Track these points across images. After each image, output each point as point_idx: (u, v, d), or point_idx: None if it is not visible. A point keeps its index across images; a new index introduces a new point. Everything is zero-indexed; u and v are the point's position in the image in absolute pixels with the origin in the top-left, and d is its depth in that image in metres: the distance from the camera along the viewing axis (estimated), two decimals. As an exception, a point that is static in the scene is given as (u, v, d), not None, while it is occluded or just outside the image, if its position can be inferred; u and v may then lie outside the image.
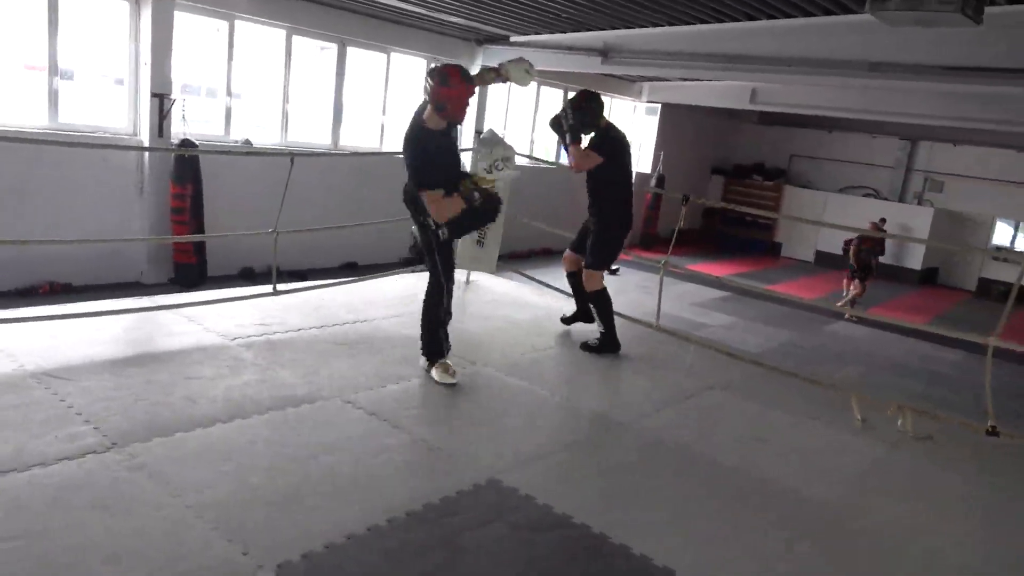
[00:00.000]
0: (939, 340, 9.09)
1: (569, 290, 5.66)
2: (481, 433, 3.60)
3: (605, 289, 5.06)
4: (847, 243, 14.28)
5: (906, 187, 16.67)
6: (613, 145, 4.93)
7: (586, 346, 5.11)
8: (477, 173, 3.79)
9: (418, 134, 3.84)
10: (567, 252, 5.38)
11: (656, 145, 15.96)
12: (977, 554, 3.12)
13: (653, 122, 15.93)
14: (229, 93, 9.62)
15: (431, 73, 3.77)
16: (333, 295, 5.65)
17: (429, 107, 3.78)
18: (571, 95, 13.24)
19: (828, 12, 7.57)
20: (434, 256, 4.03)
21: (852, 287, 12.59)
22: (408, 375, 4.25)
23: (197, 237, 8.27)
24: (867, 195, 16.85)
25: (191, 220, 8.48)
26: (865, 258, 12.13)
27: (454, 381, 4.08)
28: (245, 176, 9.03)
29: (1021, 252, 15.23)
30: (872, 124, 15.68)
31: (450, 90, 3.71)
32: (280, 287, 5.09)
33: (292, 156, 4.78)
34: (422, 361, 4.24)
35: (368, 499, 2.87)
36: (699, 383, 4.81)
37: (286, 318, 4.89)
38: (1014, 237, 16.03)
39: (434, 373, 4.14)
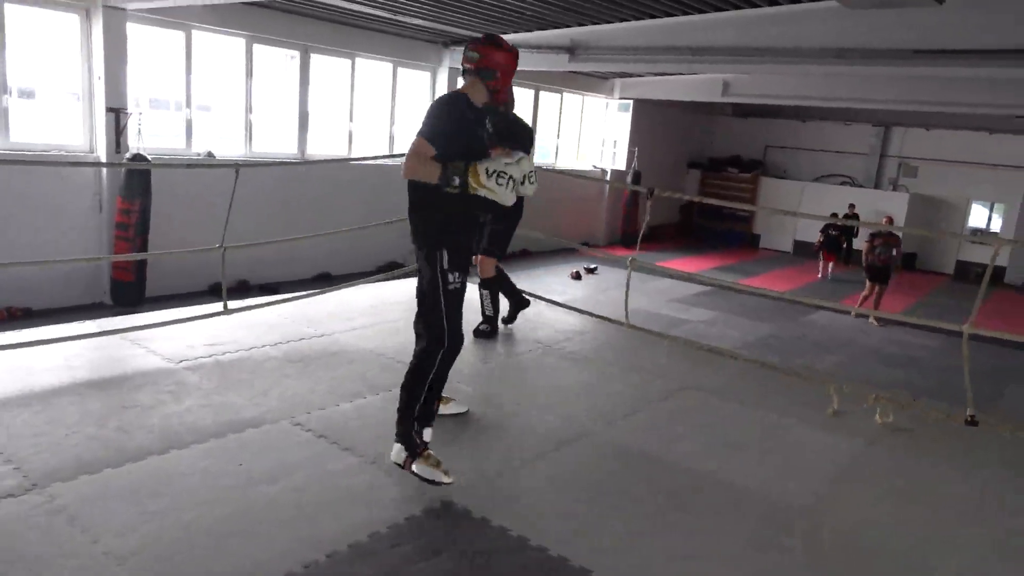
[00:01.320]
0: (919, 326, 9.00)
1: (541, 292, 5.54)
2: (437, 452, 3.41)
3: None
4: (822, 232, 14.27)
5: (881, 173, 16.68)
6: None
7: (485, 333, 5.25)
8: (478, 170, 2.94)
9: (453, 96, 3.14)
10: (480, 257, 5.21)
11: (630, 141, 15.83)
12: (958, 546, 2.97)
13: (626, 119, 15.81)
14: (189, 105, 9.41)
15: (477, 41, 3.15)
16: (293, 309, 5.45)
17: (472, 78, 3.12)
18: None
19: (794, 0, 7.46)
20: (439, 304, 3.04)
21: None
22: (363, 391, 4.06)
23: (138, 256, 8.07)
24: (843, 183, 16.84)
25: (135, 236, 8.24)
26: (884, 257, 10.69)
27: (449, 480, 2.99)
28: (205, 190, 8.80)
29: (995, 234, 15.24)
30: (845, 112, 15.65)
31: (505, 55, 3.10)
32: (232, 304, 4.88)
33: (237, 167, 4.57)
34: (395, 451, 3.08)
35: (309, 531, 2.68)
36: (672, 384, 4.65)
37: (239, 336, 4.68)
38: (989, 219, 16.07)
39: (416, 468, 3.02)
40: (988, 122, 14.37)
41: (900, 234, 11.11)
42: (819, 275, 14.53)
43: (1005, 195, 15.12)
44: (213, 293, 9.06)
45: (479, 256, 5.04)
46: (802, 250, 16.58)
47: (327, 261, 10.70)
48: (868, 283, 10.92)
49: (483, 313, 5.30)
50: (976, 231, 15.84)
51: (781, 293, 10.13)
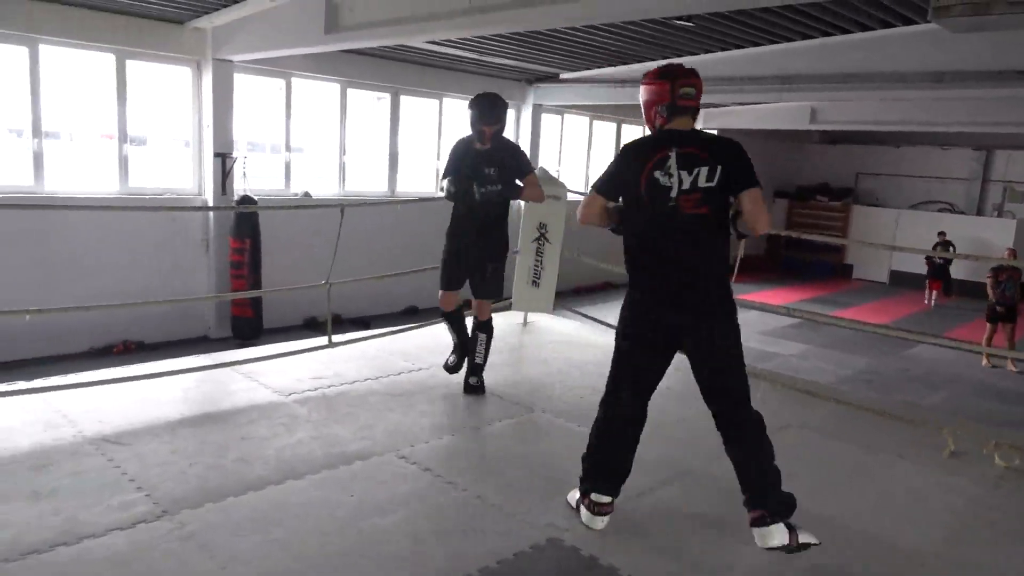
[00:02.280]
0: (1035, 361, 8.45)
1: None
2: (540, 486, 3.43)
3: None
4: (928, 259, 13.58)
5: (983, 199, 15.85)
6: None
7: (476, 387, 4.59)
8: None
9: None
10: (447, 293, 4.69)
11: (714, 172, 15.62)
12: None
13: (710, 149, 15.63)
14: (288, 148, 9.90)
15: (690, 73, 2.91)
16: (390, 343, 5.61)
17: (694, 114, 2.96)
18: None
19: (887, 24, 7.29)
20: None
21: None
22: (464, 425, 4.13)
23: (251, 293, 8.45)
24: (942, 210, 16.08)
25: (249, 274, 8.69)
26: (1010, 294, 9.45)
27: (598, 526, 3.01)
28: (303, 228, 9.21)
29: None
30: (942, 136, 15.01)
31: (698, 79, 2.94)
32: (336, 338, 5.07)
33: (343, 207, 4.79)
34: (572, 494, 3.17)
35: (420, 564, 2.73)
36: (773, 421, 4.51)
37: (342, 370, 4.85)
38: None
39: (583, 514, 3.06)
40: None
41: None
42: (925, 301, 14.04)
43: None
44: (308, 327, 9.42)
45: (477, 300, 4.60)
46: (899, 280, 15.87)
47: (414, 296, 10.94)
48: (989, 325, 9.60)
49: (474, 361, 4.62)
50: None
51: (876, 326, 9.72)
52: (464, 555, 2.80)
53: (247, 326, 8.82)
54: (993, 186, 15.49)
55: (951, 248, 13.62)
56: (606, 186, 2.96)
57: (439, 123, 11.51)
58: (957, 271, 14.63)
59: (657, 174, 2.80)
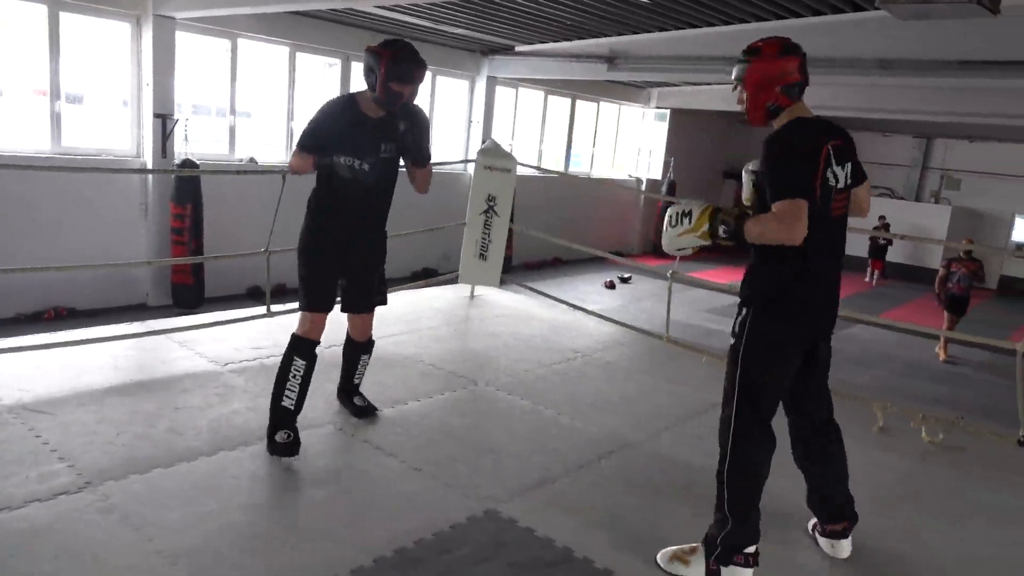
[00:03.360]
0: (971, 343, 8.79)
1: (574, 300, 5.46)
2: (480, 459, 3.42)
3: None
4: (871, 240, 13.92)
5: (922, 185, 16.35)
6: None
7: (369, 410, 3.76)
8: None
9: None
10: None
11: (666, 151, 15.75)
12: (1011, 569, 2.89)
13: (663, 128, 15.73)
14: (233, 112, 9.57)
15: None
16: (334, 312, 5.49)
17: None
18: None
19: (837, 10, 7.38)
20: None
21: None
22: (405, 397, 4.08)
23: (185, 260, 8.20)
24: (882, 194, 16.53)
25: (190, 241, 8.41)
26: (963, 285, 9.41)
27: None
28: (250, 195, 8.94)
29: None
30: (885, 123, 15.38)
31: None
32: (275, 308, 4.94)
33: (284, 174, 4.64)
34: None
35: (356, 536, 2.69)
36: (714, 396, 4.58)
37: (282, 340, 4.69)
38: (1035, 233, 15.67)
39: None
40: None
41: (980, 259, 9.64)
42: (867, 280, 14.57)
43: (1052, 209, 14.76)
44: (251, 297, 9.19)
45: (364, 315, 3.70)
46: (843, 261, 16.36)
47: (363, 267, 10.79)
48: (947, 314, 9.56)
49: (355, 382, 3.82)
50: (1020, 246, 15.45)
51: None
52: (399, 527, 2.77)
53: (188, 294, 8.57)
54: (931, 173, 15.98)
55: (887, 230, 14.07)
56: (803, 184, 2.40)
57: (391, 92, 11.28)
58: (895, 255, 15.10)
59: (828, 172, 2.46)
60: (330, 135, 3.17)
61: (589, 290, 12.07)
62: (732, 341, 2.66)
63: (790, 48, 2.58)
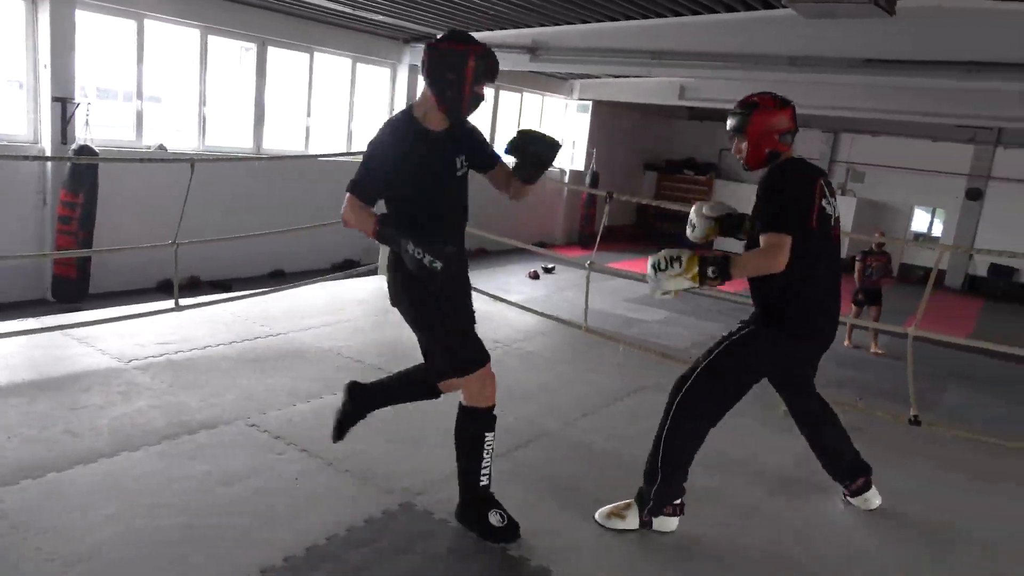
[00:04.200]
0: (868, 328, 9.24)
1: (498, 291, 5.46)
2: (397, 452, 3.39)
3: None
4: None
5: (831, 178, 17.12)
6: None
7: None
8: None
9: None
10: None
11: (589, 142, 15.94)
12: (896, 537, 3.07)
13: (585, 119, 15.91)
14: (140, 96, 9.13)
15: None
16: (248, 307, 5.35)
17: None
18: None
19: (749, 7, 7.61)
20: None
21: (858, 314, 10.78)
22: (322, 391, 4.01)
23: (90, 252, 7.78)
24: (795, 187, 17.25)
25: (79, 231, 7.94)
26: (876, 279, 9.39)
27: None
28: (157, 184, 8.56)
29: (937, 239, 15.81)
30: (797, 117, 15.99)
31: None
32: (185, 301, 4.77)
33: (192, 162, 4.47)
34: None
35: (266, 535, 2.63)
36: (630, 384, 4.70)
37: (192, 335, 4.58)
38: (931, 224, 16.64)
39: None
40: (931, 130, 14.86)
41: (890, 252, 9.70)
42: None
43: (945, 201, 15.67)
44: (162, 290, 8.83)
45: None
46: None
47: (281, 258, 10.51)
48: (855, 307, 9.55)
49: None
50: (918, 236, 16.38)
51: (730, 294, 10.29)
52: (312, 524, 2.72)
53: (69, 288, 8.07)
54: (838, 166, 16.73)
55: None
56: (792, 221, 2.68)
57: (309, 79, 11.00)
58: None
59: (824, 203, 2.81)
60: (397, 168, 2.60)
61: (513, 280, 12.11)
62: (737, 328, 3.01)
63: (783, 101, 2.93)
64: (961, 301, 14.54)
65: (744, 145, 2.92)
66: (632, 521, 2.91)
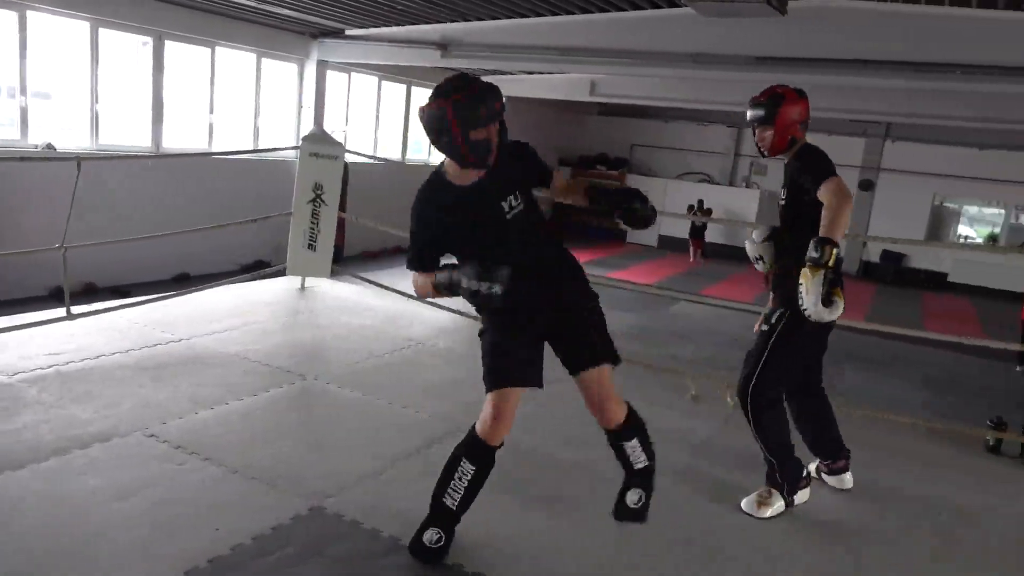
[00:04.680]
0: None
1: (412, 289, 5.40)
2: (308, 456, 3.32)
3: None
4: (692, 222, 14.88)
5: (735, 171, 17.79)
6: None
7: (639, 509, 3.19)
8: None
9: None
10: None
11: (504, 138, 15.99)
12: (797, 520, 3.23)
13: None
14: (24, 92, 8.58)
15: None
16: (147, 313, 5.12)
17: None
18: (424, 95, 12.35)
19: (655, 6, 7.80)
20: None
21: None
22: (228, 397, 3.88)
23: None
24: (702, 180, 17.82)
25: None
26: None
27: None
28: (46, 185, 8.08)
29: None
30: (703, 113, 16.55)
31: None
32: (78, 309, 4.52)
33: (79, 160, 4.23)
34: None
35: (166, 550, 2.53)
36: (549, 374, 4.74)
37: (85, 344, 4.34)
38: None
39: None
40: (827, 125, 15.65)
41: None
42: (691, 259, 15.64)
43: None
44: (54, 297, 8.35)
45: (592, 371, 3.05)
46: (667, 244, 17.39)
47: (186, 262, 10.08)
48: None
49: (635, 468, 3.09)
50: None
51: (644, 285, 10.56)
52: (216, 535, 2.63)
53: None
54: (743, 160, 17.40)
55: (710, 213, 15.19)
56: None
57: (211, 74, 10.60)
58: (713, 235, 16.32)
59: None
60: (438, 229, 2.54)
61: (430, 278, 12.04)
62: (773, 323, 3.28)
63: (801, 92, 3.20)
64: (856, 286, 15.39)
65: (769, 134, 3.15)
66: (779, 504, 3.23)
